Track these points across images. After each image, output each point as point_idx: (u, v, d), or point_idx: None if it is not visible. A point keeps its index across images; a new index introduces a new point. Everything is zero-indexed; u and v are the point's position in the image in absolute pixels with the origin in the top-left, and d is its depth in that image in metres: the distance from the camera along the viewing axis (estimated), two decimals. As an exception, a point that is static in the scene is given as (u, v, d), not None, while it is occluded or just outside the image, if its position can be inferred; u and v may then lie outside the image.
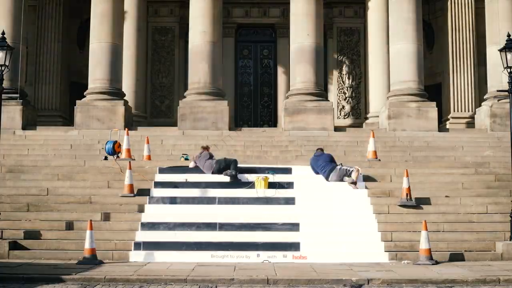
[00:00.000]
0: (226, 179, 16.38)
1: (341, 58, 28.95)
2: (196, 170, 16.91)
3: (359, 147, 20.99)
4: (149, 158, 18.40)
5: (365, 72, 28.02)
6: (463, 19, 27.67)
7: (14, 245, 13.92)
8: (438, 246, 13.99)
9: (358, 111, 28.65)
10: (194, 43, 23.01)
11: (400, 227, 14.73)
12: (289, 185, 16.31)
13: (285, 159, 19.30)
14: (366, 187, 16.23)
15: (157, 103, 28.66)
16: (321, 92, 23.16)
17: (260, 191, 15.89)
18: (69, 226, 14.65)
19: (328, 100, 23.87)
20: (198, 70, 22.81)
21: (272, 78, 29.26)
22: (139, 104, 26.66)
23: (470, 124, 25.39)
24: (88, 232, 13.14)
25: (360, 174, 16.48)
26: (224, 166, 16.64)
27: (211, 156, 17.02)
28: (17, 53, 21.55)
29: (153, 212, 15.20)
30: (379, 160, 18.36)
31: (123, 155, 18.28)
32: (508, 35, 16.23)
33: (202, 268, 12.65)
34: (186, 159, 18.67)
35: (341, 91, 28.83)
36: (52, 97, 27.11)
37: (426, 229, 13.32)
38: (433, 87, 28.05)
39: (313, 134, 21.88)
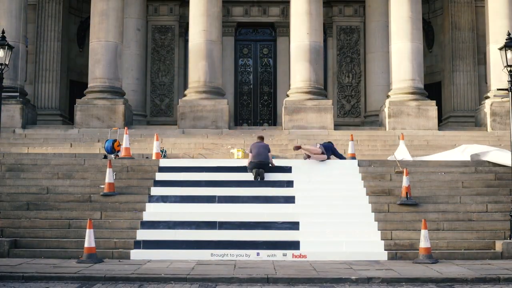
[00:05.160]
0: (226, 177, 16.41)
1: (341, 56, 28.93)
2: (196, 168, 16.93)
3: (359, 146, 21.02)
4: (158, 156, 18.26)
5: (365, 70, 28.03)
6: (463, 17, 27.72)
7: (14, 244, 13.93)
8: (438, 245, 14.00)
9: (358, 109, 28.65)
10: (194, 42, 23.02)
11: (400, 225, 14.73)
12: (289, 183, 16.31)
13: (284, 157, 19.30)
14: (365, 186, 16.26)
15: (157, 102, 28.66)
16: (320, 91, 23.18)
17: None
18: (69, 224, 14.64)
19: (328, 99, 23.88)
20: (198, 69, 22.83)
21: (272, 77, 29.26)
22: (139, 103, 26.66)
23: (470, 122, 25.40)
24: (88, 230, 13.13)
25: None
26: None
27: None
28: (17, 52, 21.59)
29: (153, 211, 15.21)
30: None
31: (122, 153, 18.28)
32: (508, 34, 16.23)
33: (202, 266, 12.64)
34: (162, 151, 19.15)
35: (341, 90, 28.82)
36: (52, 96, 27.09)
37: (426, 228, 13.32)
38: (433, 86, 28.10)
39: (313, 132, 21.93)
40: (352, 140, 18.97)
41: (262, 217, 14.85)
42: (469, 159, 17.62)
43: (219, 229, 14.58)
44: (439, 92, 28.42)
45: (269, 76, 29.37)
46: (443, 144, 20.99)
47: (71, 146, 20.65)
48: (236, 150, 19.41)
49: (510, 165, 16.11)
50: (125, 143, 18.43)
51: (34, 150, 20.08)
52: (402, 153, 18.63)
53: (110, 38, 22.70)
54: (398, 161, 17.59)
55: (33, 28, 26.89)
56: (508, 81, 15.91)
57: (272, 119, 28.82)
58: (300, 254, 13.81)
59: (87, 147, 20.69)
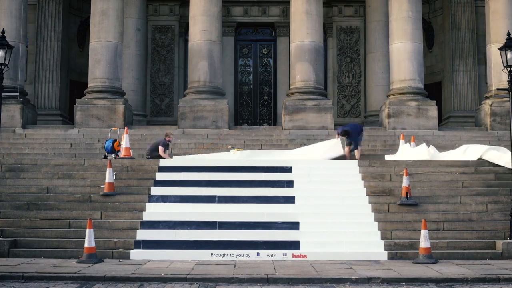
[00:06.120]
0: (226, 177, 16.41)
1: (341, 56, 28.94)
2: (196, 168, 16.94)
3: (359, 146, 21.02)
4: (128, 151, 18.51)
5: (365, 70, 28.03)
6: (463, 17, 27.73)
7: (14, 244, 13.94)
8: (438, 245, 14.00)
9: (358, 109, 28.65)
10: (194, 42, 23.02)
11: (400, 225, 14.73)
12: (289, 184, 16.31)
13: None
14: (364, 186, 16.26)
15: (157, 102, 28.66)
16: (320, 91, 23.18)
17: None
18: (69, 224, 14.64)
19: (328, 99, 23.89)
20: (198, 69, 22.83)
21: (272, 77, 29.26)
22: (139, 103, 26.66)
23: (470, 122, 25.41)
24: (88, 230, 13.13)
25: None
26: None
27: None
28: (17, 52, 21.59)
29: (153, 211, 15.21)
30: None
31: (123, 153, 18.27)
32: (508, 34, 16.23)
33: (202, 266, 12.64)
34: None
35: (341, 90, 28.82)
36: (52, 96, 27.10)
37: (426, 228, 13.32)
38: (433, 86, 28.12)
39: (313, 132, 21.93)
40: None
41: (262, 217, 14.85)
42: (471, 159, 17.59)
43: (219, 229, 14.58)
44: (439, 92, 28.43)
45: (269, 76, 29.37)
46: (443, 144, 20.99)
47: (71, 146, 20.66)
48: (235, 150, 19.41)
49: (510, 167, 16.12)
50: (125, 143, 18.42)
51: (34, 150, 20.08)
52: (403, 154, 18.66)
53: (110, 38, 22.69)
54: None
55: (33, 28, 26.89)
56: (508, 81, 15.91)
57: (272, 119, 28.82)
58: (300, 254, 13.81)
59: (87, 147, 20.69)
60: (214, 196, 15.73)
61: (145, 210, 15.20)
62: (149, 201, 15.55)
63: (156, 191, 15.94)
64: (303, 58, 22.80)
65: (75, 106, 22.65)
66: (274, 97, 28.96)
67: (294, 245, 14.05)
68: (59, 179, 16.70)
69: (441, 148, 20.46)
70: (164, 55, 28.92)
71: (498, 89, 19.65)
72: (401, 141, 19.63)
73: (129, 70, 26.26)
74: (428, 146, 19.36)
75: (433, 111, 22.61)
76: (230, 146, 20.34)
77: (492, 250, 14.05)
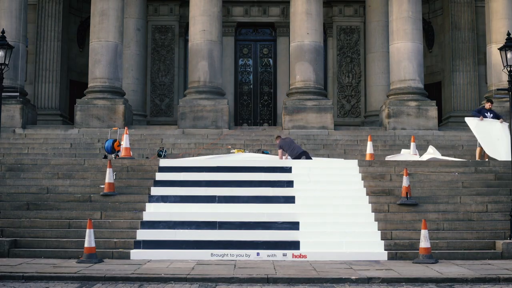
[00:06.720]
0: (226, 177, 16.40)
1: (341, 56, 28.96)
2: (196, 168, 16.94)
3: (359, 146, 21.06)
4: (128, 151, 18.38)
5: (365, 70, 28.05)
6: (463, 17, 27.76)
7: (14, 244, 13.93)
8: (438, 245, 14.00)
9: (358, 109, 28.67)
10: (194, 42, 23.03)
11: (400, 226, 14.73)
12: (289, 183, 16.31)
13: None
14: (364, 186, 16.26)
15: (157, 102, 28.67)
16: (320, 91, 23.20)
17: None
18: (69, 224, 14.64)
19: (328, 99, 23.90)
20: (198, 68, 22.85)
21: (272, 77, 29.28)
22: (139, 103, 26.68)
23: (470, 122, 25.38)
24: (88, 230, 13.12)
25: None
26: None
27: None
28: (17, 52, 21.59)
29: (153, 211, 15.20)
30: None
31: (122, 153, 18.27)
32: (508, 34, 16.23)
33: (202, 266, 12.64)
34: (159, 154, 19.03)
35: (341, 90, 28.85)
36: (52, 96, 27.12)
37: (426, 228, 13.32)
38: (433, 86, 28.15)
39: (313, 132, 21.96)
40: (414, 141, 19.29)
41: (262, 217, 14.84)
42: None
43: (219, 229, 14.58)
44: (439, 92, 28.45)
45: (269, 76, 29.38)
46: (443, 144, 21.01)
47: (71, 146, 20.66)
48: (236, 150, 19.41)
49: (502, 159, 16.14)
50: (125, 143, 18.42)
51: (34, 150, 20.09)
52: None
53: (110, 38, 22.70)
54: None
55: (33, 28, 26.91)
56: (508, 81, 15.91)
57: (272, 119, 28.83)
58: (300, 254, 13.80)
59: (87, 147, 20.69)
60: (214, 196, 15.72)
61: (145, 210, 15.20)
62: (149, 201, 15.54)
63: (156, 191, 15.93)
64: (303, 58, 22.82)
65: (75, 106, 22.66)
66: (274, 97, 28.98)
67: (294, 245, 14.05)
68: (59, 179, 16.69)
69: (440, 148, 20.49)
70: (164, 55, 28.94)
71: (498, 89, 19.66)
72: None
73: (129, 70, 26.29)
74: (428, 146, 19.39)
75: (433, 111, 22.63)
76: (230, 146, 20.35)
77: (492, 250, 14.05)
